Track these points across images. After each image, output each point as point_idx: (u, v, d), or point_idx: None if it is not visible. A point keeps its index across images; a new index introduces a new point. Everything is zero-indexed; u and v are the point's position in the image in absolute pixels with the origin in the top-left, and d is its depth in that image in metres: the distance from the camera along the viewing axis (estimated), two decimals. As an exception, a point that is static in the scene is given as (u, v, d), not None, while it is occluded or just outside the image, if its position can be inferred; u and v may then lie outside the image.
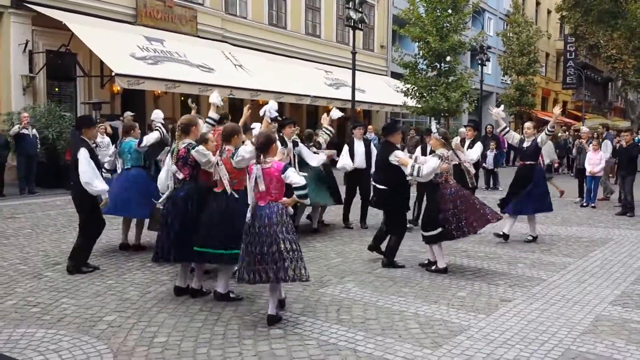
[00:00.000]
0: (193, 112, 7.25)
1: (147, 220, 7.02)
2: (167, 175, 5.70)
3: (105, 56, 14.75)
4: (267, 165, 4.78)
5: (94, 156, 6.40)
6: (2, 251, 7.37)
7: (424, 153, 8.34)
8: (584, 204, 12.77)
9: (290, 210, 4.96)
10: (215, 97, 6.30)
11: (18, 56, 14.62)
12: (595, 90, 53.01)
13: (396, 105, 24.33)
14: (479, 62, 29.01)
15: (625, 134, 12.52)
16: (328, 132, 8.83)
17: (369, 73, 26.96)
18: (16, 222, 9.60)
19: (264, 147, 4.82)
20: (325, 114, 8.91)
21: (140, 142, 7.31)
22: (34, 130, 13.15)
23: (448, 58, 22.30)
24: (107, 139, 12.36)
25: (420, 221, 9.37)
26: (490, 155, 15.84)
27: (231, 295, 5.41)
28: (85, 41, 14.57)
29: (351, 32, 19.58)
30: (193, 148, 5.44)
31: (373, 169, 8.41)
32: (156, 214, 5.92)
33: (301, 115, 23.34)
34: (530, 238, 8.54)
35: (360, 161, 9.37)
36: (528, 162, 8.50)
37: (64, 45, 15.12)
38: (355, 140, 9.53)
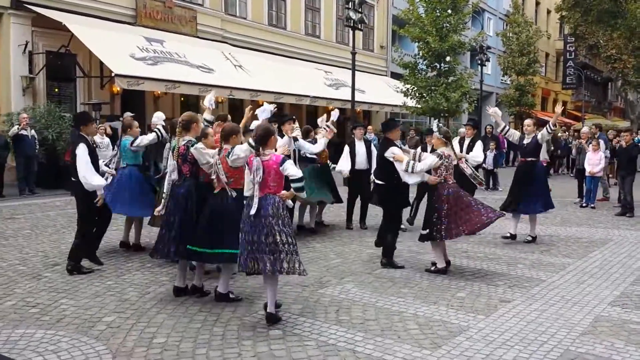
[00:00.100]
0: (206, 112, 7.21)
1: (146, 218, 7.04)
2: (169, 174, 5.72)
3: (105, 57, 14.76)
4: (265, 158, 4.78)
5: (92, 152, 6.40)
6: (1, 252, 7.38)
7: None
8: (584, 205, 12.77)
9: (290, 203, 4.95)
10: (207, 100, 6.32)
11: (18, 57, 14.62)
12: (595, 90, 53.02)
13: (396, 106, 24.33)
14: (479, 62, 29.01)
15: (625, 134, 12.51)
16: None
17: (368, 73, 26.96)
18: (15, 222, 9.60)
19: (262, 139, 4.81)
20: (324, 115, 8.87)
21: (134, 141, 7.33)
22: (33, 131, 13.16)
23: (448, 58, 22.29)
24: (106, 140, 12.36)
25: (414, 221, 9.47)
26: (490, 155, 15.83)
27: (231, 295, 5.41)
28: (85, 42, 14.57)
29: (351, 32, 19.59)
30: (193, 145, 5.45)
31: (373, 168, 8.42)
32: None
33: (301, 116, 23.32)
34: (529, 239, 8.53)
35: (361, 162, 9.35)
36: (529, 159, 8.49)
37: (63, 46, 15.12)
38: (356, 140, 9.52)
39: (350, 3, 18.51)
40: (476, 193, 10.03)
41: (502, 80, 38.03)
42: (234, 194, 5.21)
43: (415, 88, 22.44)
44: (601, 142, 13.69)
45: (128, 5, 17.13)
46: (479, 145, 9.13)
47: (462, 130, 9.46)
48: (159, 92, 17.28)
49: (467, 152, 9.09)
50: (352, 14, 18.55)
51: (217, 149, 5.35)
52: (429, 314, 5.16)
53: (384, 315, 5.11)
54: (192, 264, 5.81)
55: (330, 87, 23.09)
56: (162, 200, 5.77)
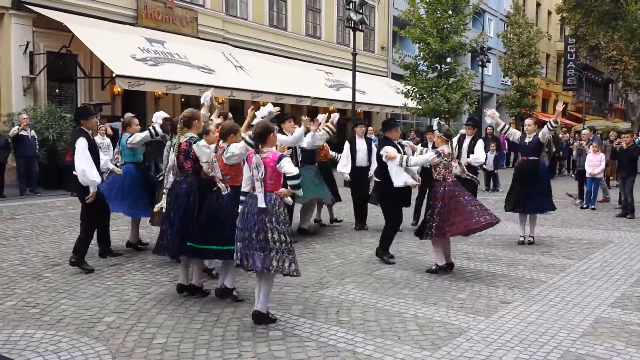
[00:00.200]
0: (216, 111, 7.20)
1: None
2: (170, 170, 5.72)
3: (106, 57, 14.77)
4: (264, 155, 4.77)
5: (93, 147, 6.40)
6: (1, 252, 7.38)
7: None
8: (584, 206, 12.76)
9: (289, 200, 4.93)
10: (204, 97, 6.39)
11: (19, 57, 14.65)
12: (596, 92, 53.04)
13: (397, 107, 24.34)
14: (480, 63, 29.02)
15: (626, 135, 12.51)
16: (328, 130, 8.39)
17: (369, 74, 26.97)
18: (16, 223, 9.61)
19: (261, 136, 4.81)
20: (326, 114, 8.86)
21: (129, 138, 7.35)
22: (33, 132, 13.17)
23: (448, 59, 22.30)
24: (107, 140, 12.36)
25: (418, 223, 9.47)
26: (491, 156, 15.82)
27: (234, 293, 5.43)
28: (85, 42, 14.59)
29: (351, 33, 19.59)
30: (195, 142, 5.46)
31: (373, 167, 8.42)
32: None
33: (301, 117, 23.32)
34: (531, 239, 8.52)
35: (362, 159, 9.35)
36: (531, 158, 8.47)
37: (64, 46, 15.14)
38: (357, 138, 9.52)
39: (351, 4, 18.52)
40: (478, 194, 10.06)
41: (502, 81, 38.05)
42: (227, 190, 5.22)
43: (416, 89, 22.45)
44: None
45: (129, 5, 17.15)
46: (480, 145, 9.10)
47: (463, 131, 9.44)
48: (160, 93, 17.29)
49: (468, 152, 9.08)
50: (352, 15, 18.56)
51: (214, 145, 5.37)
52: (429, 315, 5.16)
53: (384, 316, 5.10)
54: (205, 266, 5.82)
55: (331, 88, 23.10)
56: (163, 197, 5.78)
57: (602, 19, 30.88)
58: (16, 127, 12.79)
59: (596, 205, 12.70)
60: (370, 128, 19.87)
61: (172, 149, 5.70)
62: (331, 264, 7.05)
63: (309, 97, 20.90)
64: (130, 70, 14.88)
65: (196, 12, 19.13)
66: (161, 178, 7.05)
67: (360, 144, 9.44)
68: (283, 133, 7.94)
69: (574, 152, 15.55)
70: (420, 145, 8.92)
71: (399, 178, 6.77)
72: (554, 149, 19.26)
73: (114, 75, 14.54)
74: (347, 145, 9.47)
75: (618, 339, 4.64)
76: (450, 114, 22.63)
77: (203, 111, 6.26)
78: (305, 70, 22.80)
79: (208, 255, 5.43)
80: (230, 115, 6.59)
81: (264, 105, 6.03)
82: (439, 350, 4.35)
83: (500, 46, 35.83)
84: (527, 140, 8.45)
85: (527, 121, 8.82)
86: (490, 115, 8.33)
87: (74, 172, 6.33)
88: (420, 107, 22.71)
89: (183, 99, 18.91)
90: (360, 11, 18.95)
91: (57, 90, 16.05)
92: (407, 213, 7.94)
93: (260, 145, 4.79)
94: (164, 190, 5.76)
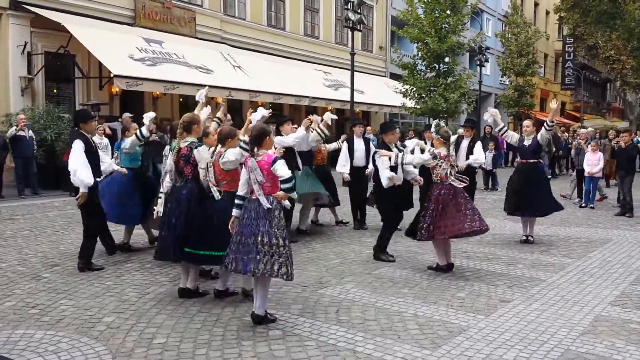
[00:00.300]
0: (222, 109, 7.18)
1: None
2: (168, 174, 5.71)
3: (104, 57, 14.75)
4: (259, 158, 4.76)
5: (90, 149, 6.38)
6: (0, 253, 7.36)
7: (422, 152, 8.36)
8: (583, 205, 12.77)
9: (287, 203, 4.92)
10: (199, 95, 6.43)
11: (16, 58, 14.61)
12: (594, 91, 53.13)
13: (395, 106, 24.34)
14: (478, 63, 29.03)
15: (624, 134, 12.54)
16: (320, 133, 8.13)
17: (367, 74, 26.97)
18: (15, 223, 9.59)
19: (257, 139, 4.80)
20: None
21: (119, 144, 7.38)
22: (31, 132, 13.14)
23: (447, 59, 22.31)
24: (105, 140, 12.34)
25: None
26: (489, 156, 15.83)
27: (229, 291, 5.48)
28: (83, 42, 14.57)
29: (350, 33, 19.58)
30: (196, 147, 5.46)
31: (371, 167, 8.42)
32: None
33: (300, 117, 23.31)
34: (531, 239, 8.52)
35: (359, 158, 9.35)
36: (531, 160, 8.46)
37: (62, 46, 15.11)
38: (355, 138, 9.52)
39: (349, 4, 18.51)
40: (476, 193, 10.08)
41: (501, 81, 38.08)
42: (218, 195, 5.22)
43: (414, 89, 22.45)
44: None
45: (127, 5, 17.13)
46: (478, 146, 9.10)
47: (461, 131, 9.45)
48: (158, 93, 17.27)
49: (467, 153, 9.09)
50: (351, 15, 18.55)
51: (213, 148, 5.37)
52: (428, 314, 5.16)
53: (384, 315, 5.10)
54: (202, 268, 5.83)
55: (329, 88, 23.10)
56: (160, 200, 5.76)
57: (600, 19, 30.94)
58: (14, 128, 12.77)
59: (595, 204, 12.71)
60: (368, 128, 19.89)
61: (170, 153, 5.68)
62: (330, 264, 7.05)
63: (307, 97, 20.90)
64: (128, 71, 14.86)
65: (194, 12, 19.11)
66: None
67: (358, 144, 9.44)
68: (281, 136, 7.92)
69: (572, 151, 15.58)
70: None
71: (384, 177, 6.83)
72: (554, 149, 19.28)
73: (111, 75, 14.52)
74: (345, 146, 9.48)
75: (618, 337, 4.65)
76: (449, 114, 22.63)
77: (197, 110, 6.25)
78: (304, 70, 22.79)
79: (204, 261, 5.45)
80: (229, 116, 6.58)
81: (262, 105, 6.03)
82: (439, 349, 4.35)
83: (498, 46, 35.85)
84: (526, 142, 8.42)
85: (526, 122, 8.81)
86: (491, 114, 8.30)
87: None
88: (418, 106, 22.72)
89: (181, 99, 18.90)
90: (359, 11, 18.95)
91: (55, 91, 16.02)
92: (408, 213, 7.92)
93: (256, 149, 4.78)
94: (160, 195, 5.76)
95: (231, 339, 4.51)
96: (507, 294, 5.83)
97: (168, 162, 5.66)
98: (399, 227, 7.92)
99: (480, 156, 9.05)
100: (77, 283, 6.00)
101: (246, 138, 5.10)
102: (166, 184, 5.69)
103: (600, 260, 7.37)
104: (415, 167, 7.37)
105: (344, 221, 9.82)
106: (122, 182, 7.31)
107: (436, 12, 21.79)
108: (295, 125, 8.67)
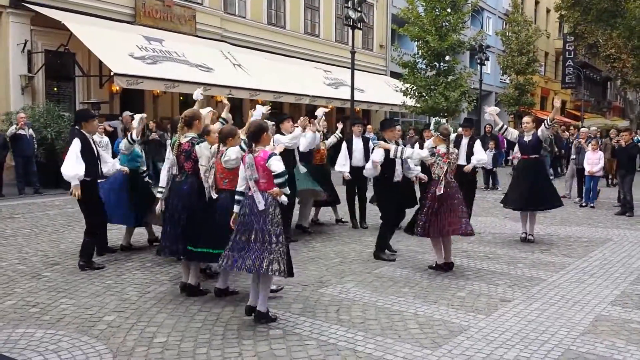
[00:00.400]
0: (226, 107, 7.16)
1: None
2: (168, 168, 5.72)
3: (104, 56, 14.74)
4: (255, 154, 4.76)
5: (89, 148, 6.37)
6: (0, 251, 7.36)
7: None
8: (583, 204, 12.77)
9: (284, 199, 4.92)
10: (196, 93, 6.47)
11: (17, 56, 14.60)
12: (594, 90, 53.05)
13: (395, 105, 24.33)
14: (478, 61, 29.02)
15: (624, 133, 12.52)
16: (337, 136, 9.18)
17: (368, 72, 26.95)
18: (15, 222, 9.59)
19: (254, 135, 4.80)
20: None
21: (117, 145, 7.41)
22: (31, 131, 13.13)
23: (447, 57, 22.27)
24: (105, 139, 12.33)
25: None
26: (489, 154, 15.81)
27: (229, 289, 5.48)
28: (84, 41, 14.55)
29: (350, 31, 19.58)
30: (198, 143, 5.45)
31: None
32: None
33: (300, 115, 23.27)
34: (531, 238, 8.52)
35: (358, 158, 9.33)
36: (532, 156, 8.45)
37: (62, 45, 15.10)
38: (354, 137, 9.50)
39: (349, 2, 18.49)
40: (477, 192, 10.07)
41: (501, 79, 38.04)
42: (214, 195, 5.23)
43: (415, 87, 22.44)
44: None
45: (127, 4, 17.11)
46: (478, 145, 9.08)
47: (460, 130, 9.44)
48: (158, 91, 17.26)
49: (467, 153, 9.07)
50: (351, 13, 18.53)
51: (215, 147, 5.37)
52: (429, 314, 5.16)
53: (385, 315, 5.10)
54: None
55: (330, 86, 23.08)
56: (159, 195, 5.77)
57: (600, 17, 30.90)
58: (14, 126, 12.76)
59: (595, 204, 12.71)
60: (369, 127, 19.90)
61: (171, 147, 5.69)
62: (331, 263, 7.04)
63: (307, 95, 20.88)
64: (129, 69, 14.84)
65: (194, 10, 19.09)
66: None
67: (357, 143, 9.42)
68: (281, 133, 7.92)
69: (572, 151, 15.56)
70: (417, 143, 8.95)
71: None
72: (556, 149, 19.25)
73: (112, 73, 14.51)
74: (344, 146, 9.48)
75: (618, 337, 4.65)
76: (449, 112, 22.62)
77: (196, 107, 6.27)
78: (304, 69, 22.78)
79: (203, 258, 5.44)
80: (230, 116, 6.57)
81: (262, 103, 6.03)
82: (440, 349, 4.35)
83: (498, 44, 35.82)
84: (526, 138, 8.43)
85: (525, 119, 8.81)
86: (491, 112, 8.31)
87: None
88: (419, 105, 22.71)
89: (181, 97, 18.87)
90: (359, 9, 18.95)
91: (55, 89, 16.00)
92: (409, 212, 7.91)
93: (254, 145, 4.79)
94: (160, 189, 5.76)
95: (232, 338, 4.51)
96: (507, 293, 5.83)
97: (170, 157, 5.64)
98: (399, 225, 7.92)
99: (483, 156, 9.04)
100: (77, 282, 6.00)
101: (242, 142, 5.11)
102: (163, 176, 5.72)
103: (601, 260, 7.37)
104: (415, 164, 7.39)
105: (343, 220, 9.82)
106: (123, 182, 7.31)
107: (437, 10, 21.78)
108: (296, 124, 8.67)
